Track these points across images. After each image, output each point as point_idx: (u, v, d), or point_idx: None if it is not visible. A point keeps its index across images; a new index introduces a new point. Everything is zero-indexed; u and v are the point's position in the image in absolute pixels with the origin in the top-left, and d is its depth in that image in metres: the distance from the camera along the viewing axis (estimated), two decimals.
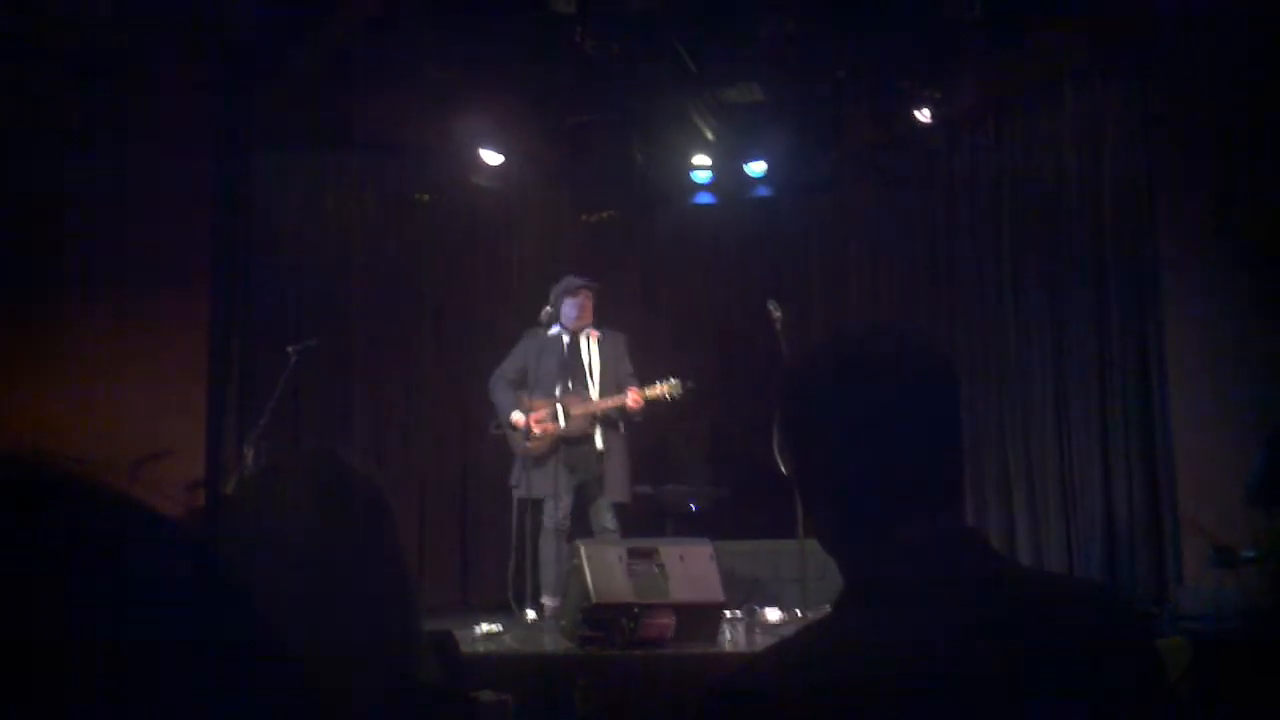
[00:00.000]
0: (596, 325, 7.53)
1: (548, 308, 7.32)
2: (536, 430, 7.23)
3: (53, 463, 0.63)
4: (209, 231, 7.65)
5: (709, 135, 8.62)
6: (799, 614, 6.54)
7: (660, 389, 7.20)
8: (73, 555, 0.60)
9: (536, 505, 7.21)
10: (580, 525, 7.33)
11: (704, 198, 9.33)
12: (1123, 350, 7.24)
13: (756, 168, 9.06)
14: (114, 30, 6.91)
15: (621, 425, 7.41)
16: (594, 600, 5.87)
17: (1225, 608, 5.80)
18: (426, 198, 8.69)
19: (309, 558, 1.64)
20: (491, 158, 8.51)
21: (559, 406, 7.30)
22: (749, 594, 6.97)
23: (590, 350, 7.46)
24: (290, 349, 6.93)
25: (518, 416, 7.27)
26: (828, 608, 1.52)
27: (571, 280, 7.47)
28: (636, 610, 5.86)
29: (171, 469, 6.69)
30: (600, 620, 5.87)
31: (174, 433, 7.00)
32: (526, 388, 7.35)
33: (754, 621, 6.62)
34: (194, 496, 6.87)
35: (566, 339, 7.44)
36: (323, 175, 8.46)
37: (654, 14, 7.42)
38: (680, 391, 7.20)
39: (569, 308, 7.38)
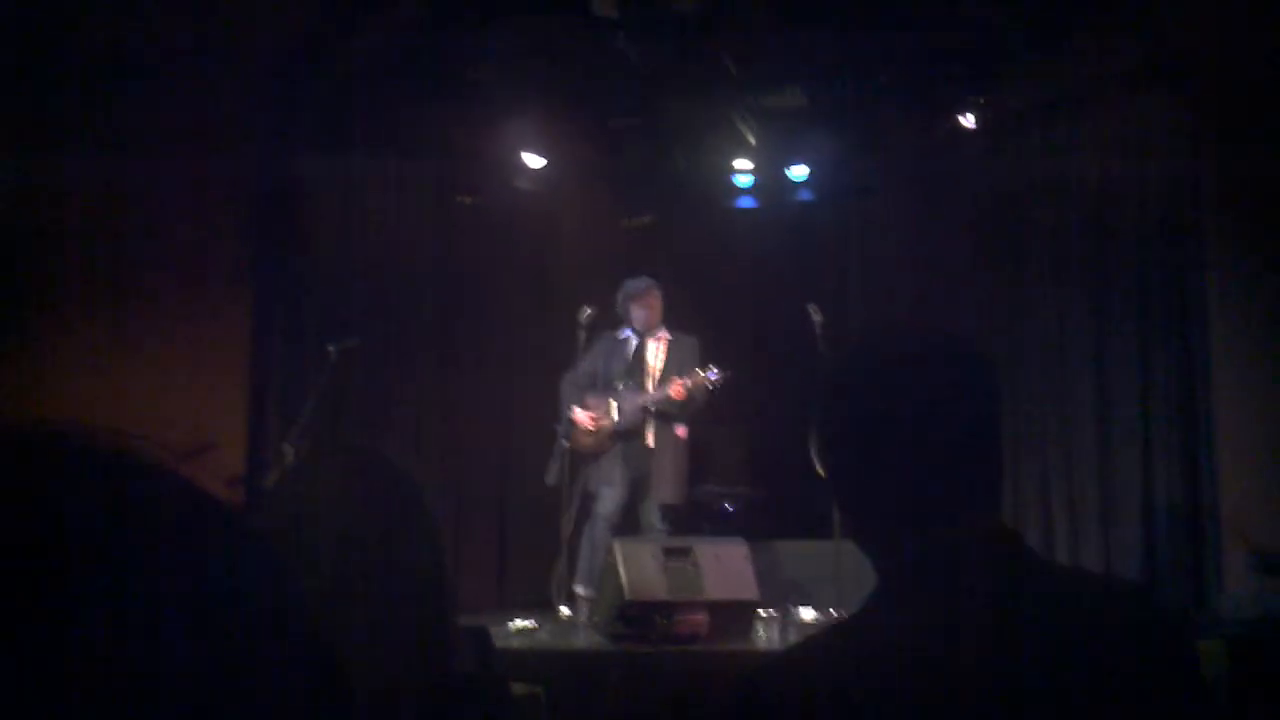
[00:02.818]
0: (670, 330, 7.57)
1: (586, 309, 7.36)
2: (591, 426, 7.30)
3: (100, 434, 0.64)
4: (252, 231, 7.73)
5: (751, 140, 8.60)
6: (833, 614, 6.51)
7: (700, 377, 7.20)
8: (113, 525, 0.61)
9: (590, 498, 7.27)
10: (630, 521, 7.36)
11: (745, 202, 9.32)
12: (1165, 352, 7.17)
13: (798, 172, 9.04)
14: (157, 30, 6.99)
15: (682, 427, 7.41)
16: (628, 597, 5.88)
17: (1266, 614, 5.73)
18: (469, 199, 8.73)
19: (345, 551, 1.66)
20: (533, 161, 8.53)
21: (612, 402, 7.35)
22: (784, 593, 6.96)
23: (656, 353, 7.51)
24: (331, 347, 6.98)
25: (577, 412, 7.34)
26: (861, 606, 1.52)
27: (633, 284, 7.53)
28: (671, 608, 5.87)
29: (212, 465, 6.76)
30: (634, 617, 5.89)
31: (215, 429, 7.06)
32: (594, 388, 7.42)
33: (788, 621, 6.61)
34: (234, 492, 6.94)
35: (635, 341, 7.52)
36: (365, 176, 8.51)
37: (696, 18, 7.43)
38: (720, 381, 7.18)
39: (636, 311, 7.47)
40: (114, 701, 0.56)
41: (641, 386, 7.41)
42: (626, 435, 7.33)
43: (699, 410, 7.38)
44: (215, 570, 0.63)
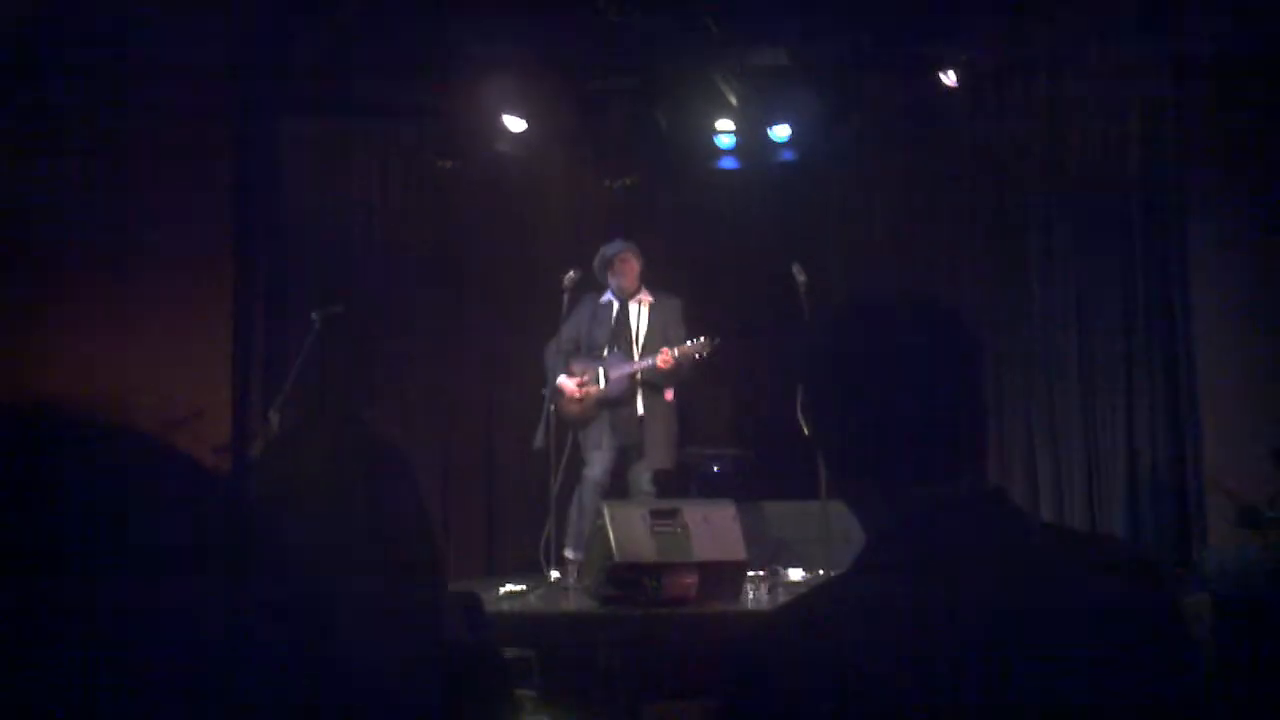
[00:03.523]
0: (652, 290, 7.55)
1: (571, 273, 7.33)
2: (578, 394, 7.30)
3: (87, 409, 0.65)
4: (233, 196, 7.68)
5: (732, 100, 8.56)
6: (822, 575, 6.55)
7: (689, 347, 7.22)
8: (107, 497, 0.62)
9: (578, 463, 7.27)
10: (619, 486, 7.37)
11: (727, 163, 9.27)
12: (1148, 309, 7.21)
13: (781, 132, 8.99)
14: None
15: (670, 392, 7.42)
16: (617, 559, 5.89)
17: (1250, 569, 5.78)
18: (449, 163, 8.68)
19: (333, 520, 1.66)
20: (514, 123, 8.48)
21: (599, 369, 7.35)
22: (772, 555, 7.00)
23: (639, 316, 7.50)
24: (314, 314, 6.95)
25: (563, 380, 7.33)
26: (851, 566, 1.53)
27: (608, 249, 7.52)
28: (659, 570, 5.89)
29: (198, 433, 6.73)
30: (623, 579, 5.90)
31: (200, 398, 7.04)
32: (579, 354, 7.41)
33: (777, 582, 6.65)
34: (220, 460, 6.91)
35: (617, 305, 7.51)
36: (347, 141, 8.46)
37: None
38: (708, 350, 7.21)
39: (612, 278, 7.46)
40: (110, 669, 0.57)
41: (626, 351, 7.41)
42: (614, 403, 7.33)
43: (686, 378, 7.40)
44: (207, 536, 0.64)
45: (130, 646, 0.58)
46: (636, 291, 7.50)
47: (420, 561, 1.78)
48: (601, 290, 7.56)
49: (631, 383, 7.34)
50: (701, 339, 7.21)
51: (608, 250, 7.51)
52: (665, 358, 7.20)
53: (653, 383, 7.35)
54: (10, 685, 0.55)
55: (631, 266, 7.46)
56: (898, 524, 1.47)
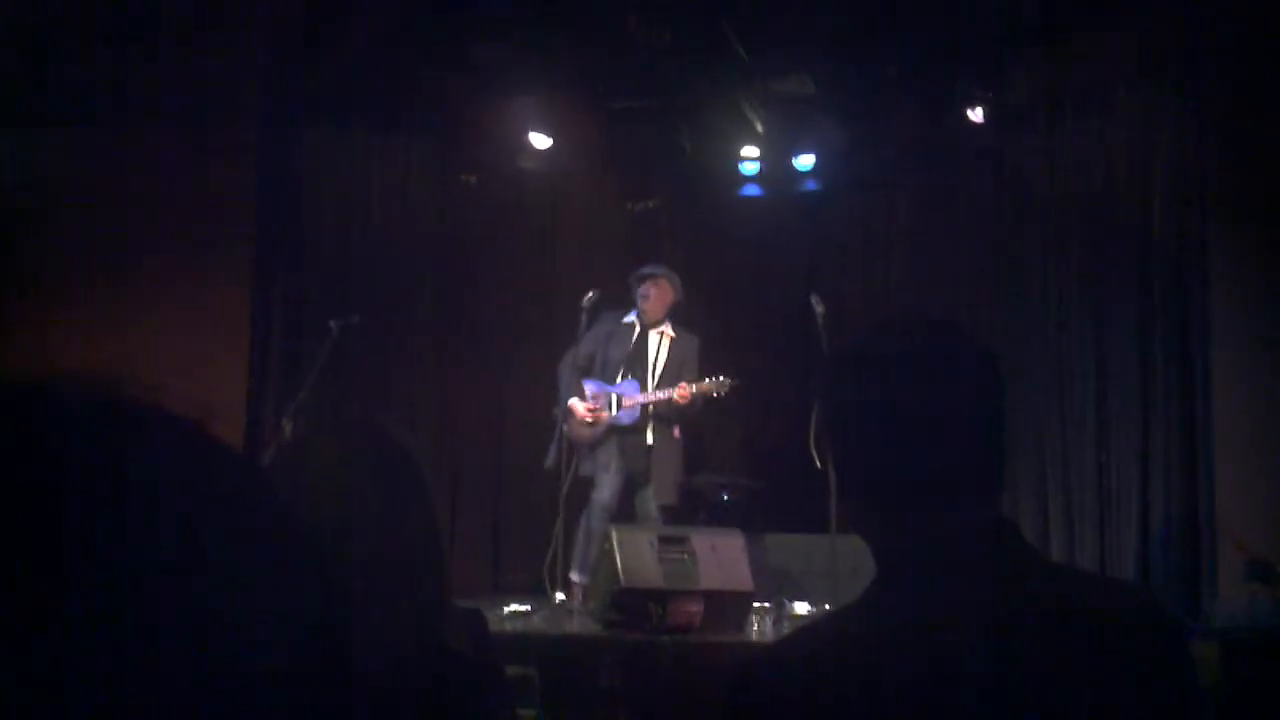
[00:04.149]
0: (675, 325, 7.51)
1: (590, 293, 7.32)
2: (589, 417, 7.26)
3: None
4: (255, 204, 7.70)
5: (758, 127, 8.57)
6: (828, 609, 6.51)
7: (707, 385, 7.19)
8: (115, 468, 0.61)
9: (586, 484, 7.25)
10: (626, 510, 7.34)
11: (751, 189, 9.27)
12: (1166, 357, 7.16)
13: (805, 161, 8.99)
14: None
15: (676, 428, 7.40)
16: (623, 584, 5.87)
17: (1259, 622, 5.74)
18: (473, 178, 8.69)
19: (343, 523, 1.65)
20: (539, 141, 8.49)
21: (613, 395, 7.32)
22: (778, 586, 6.96)
23: (659, 348, 7.46)
24: (332, 323, 6.95)
25: (575, 402, 7.30)
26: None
27: (637, 273, 7.49)
28: (665, 596, 5.87)
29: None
30: (628, 605, 5.88)
31: (215, 401, 7.02)
32: (593, 372, 7.39)
33: (782, 614, 6.61)
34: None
35: (638, 330, 7.46)
36: (370, 153, 8.47)
37: (707, 2, 7.40)
38: (725, 390, 7.19)
39: (639, 301, 7.41)
40: (117, 645, 0.56)
41: (640, 380, 7.37)
42: (624, 430, 7.30)
43: (696, 413, 7.38)
44: (224, 512, 0.64)
45: (135, 611, 0.58)
46: (660, 321, 7.46)
47: (428, 567, 1.78)
48: (627, 309, 7.52)
49: (643, 413, 7.31)
50: (721, 378, 7.17)
51: (637, 273, 7.48)
52: (683, 392, 7.15)
53: (664, 416, 7.32)
54: (17, 652, 0.55)
55: (660, 293, 7.40)
56: (909, 554, 1.46)
